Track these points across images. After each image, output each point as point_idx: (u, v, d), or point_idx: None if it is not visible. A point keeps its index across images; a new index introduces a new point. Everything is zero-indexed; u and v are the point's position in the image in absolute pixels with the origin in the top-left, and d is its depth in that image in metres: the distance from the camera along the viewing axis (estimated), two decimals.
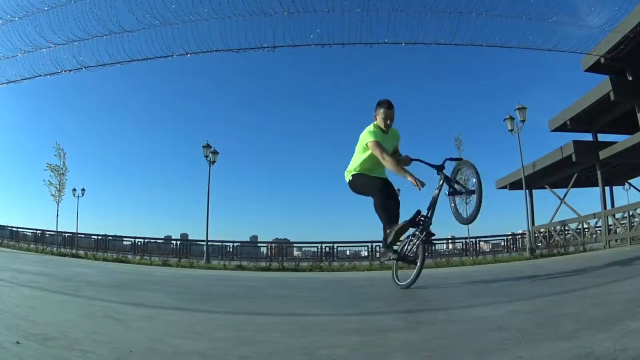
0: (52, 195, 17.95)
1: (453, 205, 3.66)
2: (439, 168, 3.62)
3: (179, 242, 19.02)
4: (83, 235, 19.62)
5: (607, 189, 16.11)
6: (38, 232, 19.43)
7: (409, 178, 3.36)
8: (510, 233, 19.58)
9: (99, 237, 19.54)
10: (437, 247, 19.96)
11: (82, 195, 20.21)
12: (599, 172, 14.43)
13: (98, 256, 13.63)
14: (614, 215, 13.30)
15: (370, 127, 3.48)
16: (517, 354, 1.30)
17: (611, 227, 13.39)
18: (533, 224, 17.24)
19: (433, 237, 3.63)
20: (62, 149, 18.72)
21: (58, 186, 18.08)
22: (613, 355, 1.24)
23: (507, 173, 19.38)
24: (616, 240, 13.15)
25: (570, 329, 1.63)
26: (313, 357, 1.37)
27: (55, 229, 18.25)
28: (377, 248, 18.70)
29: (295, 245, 21.31)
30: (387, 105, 3.45)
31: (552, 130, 16.72)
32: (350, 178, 3.62)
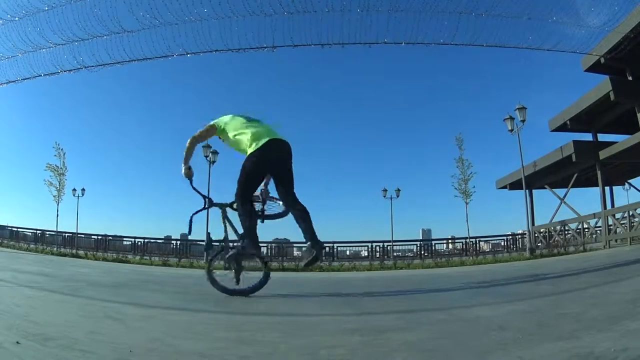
0: (53, 195, 17.94)
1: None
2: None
3: (179, 242, 19.00)
4: (83, 235, 19.62)
5: (607, 189, 16.12)
6: (38, 232, 19.45)
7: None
8: (510, 233, 19.62)
9: (99, 237, 19.55)
10: (437, 247, 20.04)
11: (82, 195, 20.20)
12: (599, 172, 14.43)
13: (98, 256, 13.63)
14: (614, 215, 13.30)
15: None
16: (517, 354, 1.30)
17: (611, 227, 13.40)
18: (533, 224, 17.24)
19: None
20: (62, 149, 18.71)
21: (58, 186, 18.07)
22: (613, 355, 1.24)
23: (507, 173, 19.43)
24: (616, 240, 13.16)
25: (570, 329, 1.63)
26: (313, 357, 1.37)
27: (55, 229, 18.25)
28: (377, 248, 18.74)
29: (295, 245, 21.29)
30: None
31: (552, 130, 16.72)
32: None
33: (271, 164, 3.16)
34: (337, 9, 10.25)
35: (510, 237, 19.08)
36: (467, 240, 17.12)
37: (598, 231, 14.07)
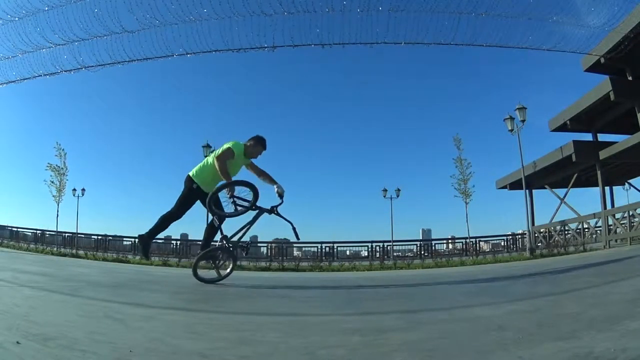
0: (53, 195, 17.95)
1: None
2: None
3: (179, 242, 18.99)
4: (83, 235, 19.62)
5: (607, 189, 16.12)
6: (38, 232, 19.44)
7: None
8: (510, 233, 19.61)
9: (99, 237, 19.53)
10: (437, 247, 20.04)
11: (82, 195, 20.22)
12: (599, 172, 14.43)
13: (98, 256, 13.63)
14: (614, 215, 13.30)
15: (235, 142, 4.04)
16: (517, 354, 1.30)
17: (611, 227, 13.39)
18: (533, 224, 17.24)
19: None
20: (63, 149, 18.72)
21: (58, 186, 18.06)
22: (613, 355, 1.24)
23: (507, 173, 19.44)
24: (616, 240, 13.15)
25: (570, 329, 1.63)
26: (313, 357, 1.37)
27: (55, 229, 18.26)
28: (377, 248, 18.73)
29: (295, 245, 21.29)
30: (264, 144, 4.18)
31: (552, 130, 16.73)
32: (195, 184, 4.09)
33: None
34: (337, 9, 10.27)
35: (510, 237, 19.07)
36: (467, 240, 17.13)
37: (598, 231, 14.07)
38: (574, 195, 24.30)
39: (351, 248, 19.82)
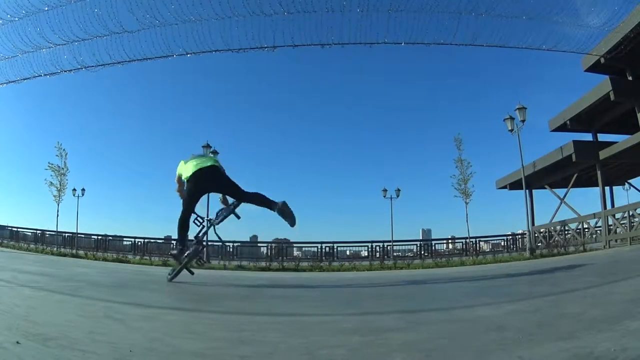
0: (53, 195, 17.93)
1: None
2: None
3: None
4: (83, 235, 19.60)
5: (607, 189, 16.11)
6: (38, 232, 19.42)
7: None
8: (510, 233, 19.60)
9: (99, 237, 19.53)
10: (437, 247, 20.04)
11: (82, 195, 20.20)
12: (599, 172, 14.43)
13: (98, 256, 13.62)
14: (614, 215, 13.29)
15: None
16: (517, 354, 1.30)
17: (611, 227, 13.39)
18: (533, 224, 17.23)
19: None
20: (64, 149, 18.68)
21: (59, 186, 18.05)
22: (613, 355, 1.24)
23: (507, 173, 19.43)
24: (616, 240, 13.15)
25: (570, 329, 1.63)
26: (313, 357, 1.37)
27: (55, 229, 18.24)
28: (377, 248, 18.74)
29: (295, 245, 21.29)
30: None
31: (552, 130, 16.73)
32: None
33: (199, 188, 4.23)
34: (337, 9, 10.25)
35: (510, 237, 19.07)
36: (467, 240, 17.12)
37: (598, 231, 14.07)
38: (574, 195, 24.30)
39: (351, 248, 19.83)
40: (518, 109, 13.85)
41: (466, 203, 15.97)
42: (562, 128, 16.24)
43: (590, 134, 16.18)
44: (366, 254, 18.53)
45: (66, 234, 19.31)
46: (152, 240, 19.03)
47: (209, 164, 4.22)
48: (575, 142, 14.87)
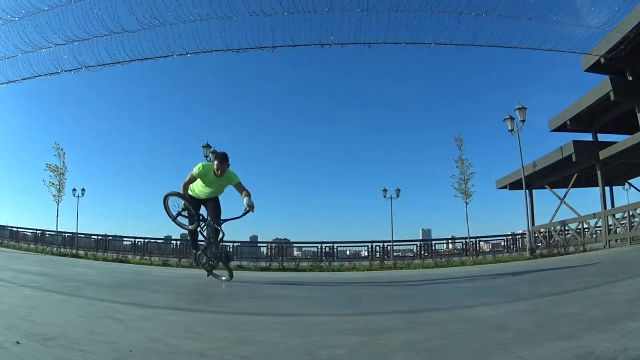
0: (53, 195, 17.92)
1: None
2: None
3: (179, 242, 18.98)
4: (83, 235, 19.57)
5: (607, 189, 16.10)
6: (38, 232, 19.40)
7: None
8: (510, 233, 19.56)
9: (99, 237, 19.49)
10: (437, 247, 20.02)
11: (82, 195, 20.17)
12: (599, 172, 14.42)
13: (98, 256, 13.62)
14: (614, 215, 13.29)
15: (199, 165, 4.33)
16: (517, 354, 1.30)
17: (611, 227, 13.38)
18: (533, 224, 17.23)
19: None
20: (62, 149, 18.66)
21: (58, 186, 18.04)
22: (613, 355, 1.24)
23: (507, 173, 19.42)
24: (616, 240, 13.15)
25: (570, 329, 1.63)
26: (313, 357, 1.37)
27: (55, 229, 18.23)
28: (377, 248, 18.74)
29: (295, 245, 21.28)
30: (221, 159, 4.31)
31: (552, 130, 16.72)
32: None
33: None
34: (337, 9, 10.25)
35: (510, 237, 19.04)
36: (467, 240, 17.10)
37: (598, 231, 14.06)
38: (574, 195, 24.31)
39: (351, 248, 19.80)
40: (518, 109, 13.84)
41: (466, 203, 15.96)
42: (562, 128, 16.23)
43: (590, 134, 16.17)
44: (366, 254, 18.51)
45: (66, 234, 19.29)
46: (152, 240, 19.00)
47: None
48: (575, 142, 14.86)
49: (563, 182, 17.04)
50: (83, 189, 20.33)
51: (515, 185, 18.24)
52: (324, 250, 17.71)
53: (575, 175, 15.73)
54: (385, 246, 18.99)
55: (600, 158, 14.20)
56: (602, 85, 13.46)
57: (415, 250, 19.26)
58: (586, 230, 14.83)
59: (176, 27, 10.49)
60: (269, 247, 18.97)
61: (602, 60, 12.67)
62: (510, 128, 14.06)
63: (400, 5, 10.24)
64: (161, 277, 5.46)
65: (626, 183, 18.79)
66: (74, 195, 19.82)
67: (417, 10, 10.30)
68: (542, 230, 17.08)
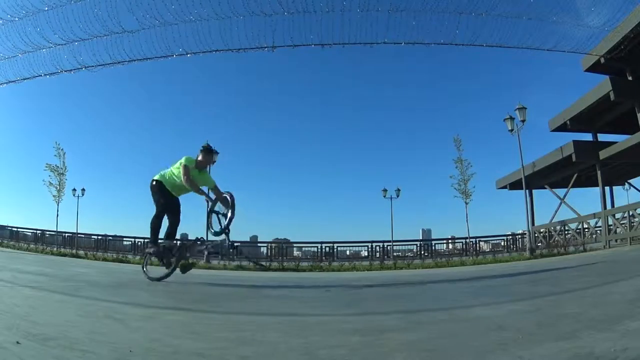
0: (53, 195, 17.93)
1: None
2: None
3: (178, 242, 18.98)
4: (83, 235, 19.60)
5: (607, 189, 16.11)
6: (38, 232, 19.43)
7: (202, 194, 4.45)
8: (510, 233, 19.60)
9: (99, 237, 19.52)
10: (437, 247, 20.04)
11: (82, 195, 20.19)
12: (599, 172, 14.43)
13: (98, 256, 13.62)
14: (614, 215, 13.29)
15: (190, 158, 4.39)
16: (517, 354, 1.30)
17: (611, 227, 13.39)
18: (533, 224, 17.23)
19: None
20: (62, 149, 18.68)
21: (58, 186, 18.04)
22: (613, 355, 1.24)
23: (507, 173, 19.43)
24: (616, 240, 13.15)
25: (570, 329, 1.63)
26: (313, 357, 1.37)
27: (55, 229, 18.24)
28: (377, 248, 18.74)
29: (295, 245, 21.31)
30: (208, 151, 4.52)
31: (552, 130, 16.73)
32: (154, 183, 4.42)
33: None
34: (337, 9, 10.25)
35: (510, 237, 19.06)
36: (467, 240, 17.13)
37: (598, 231, 14.07)
38: (574, 195, 24.30)
39: (351, 248, 19.83)
40: (518, 109, 13.85)
41: (466, 203, 16.00)
42: (562, 128, 16.24)
43: (590, 134, 16.19)
44: (366, 254, 18.53)
45: (66, 234, 19.31)
46: None
47: (155, 177, 4.42)
48: (575, 142, 14.87)
49: (563, 182, 17.05)
50: (83, 189, 20.37)
51: (515, 185, 18.26)
52: (324, 250, 17.73)
53: (575, 175, 15.74)
54: (385, 246, 19.01)
55: (600, 158, 14.21)
56: (602, 85, 13.47)
57: (415, 250, 19.29)
58: (586, 230, 14.84)
59: (176, 27, 10.49)
60: (269, 247, 18.98)
61: (602, 60, 12.68)
62: (510, 128, 14.07)
63: (400, 5, 10.25)
64: None
65: (626, 183, 18.80)
66: (74, 195, 19.85)
67: (417, 10, 10.32)
68: (542, 230, 17.09)
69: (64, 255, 13.82)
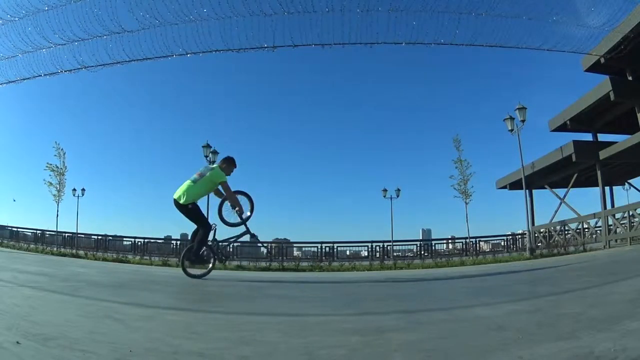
0: (53, 195, 17.92)
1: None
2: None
3: (179, 242, 18.97)
4: (83, 235, 19.58)
5: (607, 189, 16.10)
6: (38, 232, 19.41)
7: (238, 204, 4.80)
8: (510, 233, 19.58)
9: (99, 237, 19.50)
10: (437, 247, 20.03)
11: (82, 195, 20.19)
12: (599, 172, 14.42)
13: (98, 256, 13.61)
14: (614, 215, 13.28)
15: (223, 174, 4.73)
16: (517, 354, 1.30)
17: (611, 227, 13.38)
18: (533, 224, 17.23)
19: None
20: (62, 149, 18.67)
21: (58, 186, 18.04)
22: (613, 355, 1.24)
23: (507, 173, 19.42)
24: (616, 240, 13.14)
25: (570, 329, 1.63)
26: (313, 357, 1.37)
27: (55, 229, 18.24)
28: (377, 248, 18.73)
29: (295, 245, 21.29)
30: (233, 162, 4.96)
31: (552, 130, 16.72)
32: (190, 207, 4.64)
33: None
34: (337, 9, 10.25)
35: (510, 237, 19.05)
36: (467, 240, 17.11)
37: (598, 231, 14.06)
38: (574, 195, 24.34)
39: (351, 248, 19.81)
40: (518, 109, 13.84)
41: (466, 203, 15.98)
42: (562, 128, 16.23)
43: (590, 134, 16.18)
44: (366, 254, 18.51)
45: (66, 234, 19.30)
46: (152, 240, 19.01)
47: (174, 196, 4.63)
48: (575, 142, 14.86)
49: (563, 182, 17.04)
50: (83, 189, 20.37)
51: (515, 185, 18.25)
52: (324, 250, 17.71)
53: (575, 175, 15.73)
54: (385, 246, 18.99)
55: (600, 158, 14.20)
56: (602, 85, 13.46)
57: (415, 250, 19.28)
58: (586, 230, 14.84)
59: (176, 27, 10.49)
60: (269, 247, 18.96)
61: (602, 60, 12.67)
62: (510, 128, 14.06)
63: (400, 5, 10.24)
64: (161, 277, 5.46)
65: (626, 183, 18.79)
66: (74, 195, 19.86)
67: (417, 10, 10.31)
68: (542, 230, 17.08)
69: (64, 255, 13.81)
